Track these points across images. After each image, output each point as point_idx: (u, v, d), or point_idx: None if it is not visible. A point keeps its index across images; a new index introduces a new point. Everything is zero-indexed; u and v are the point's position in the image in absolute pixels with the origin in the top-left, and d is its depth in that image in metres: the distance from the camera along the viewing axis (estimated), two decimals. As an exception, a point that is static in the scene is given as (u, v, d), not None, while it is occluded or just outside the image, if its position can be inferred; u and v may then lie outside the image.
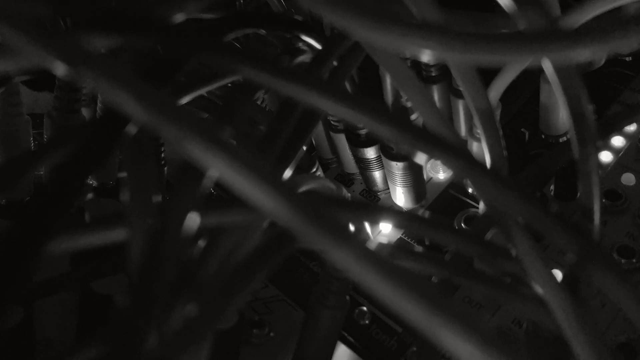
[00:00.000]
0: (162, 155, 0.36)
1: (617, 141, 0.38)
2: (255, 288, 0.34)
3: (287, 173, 0.25)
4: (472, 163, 0.19)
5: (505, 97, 0.33)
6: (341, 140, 0.38)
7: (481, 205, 0.30)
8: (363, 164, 0.38)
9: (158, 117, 0.15)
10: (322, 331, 0.26)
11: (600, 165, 0.36)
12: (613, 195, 0.35)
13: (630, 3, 0.27)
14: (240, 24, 0.27)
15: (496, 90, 0.33)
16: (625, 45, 0.17)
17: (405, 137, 0.19)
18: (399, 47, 0.17)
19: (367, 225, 0.29)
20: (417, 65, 0.38)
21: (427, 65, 0.38)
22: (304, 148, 0.41)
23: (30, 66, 0.17)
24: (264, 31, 0.31)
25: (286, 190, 0.15)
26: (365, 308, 0.33)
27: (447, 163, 0.20)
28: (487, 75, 0.30)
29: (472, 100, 0.27)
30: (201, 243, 0.21)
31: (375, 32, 0.17)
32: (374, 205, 0.39)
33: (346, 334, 0.32)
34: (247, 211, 0.20)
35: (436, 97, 0.39)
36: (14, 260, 0.15)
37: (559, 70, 0.24)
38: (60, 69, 0.16)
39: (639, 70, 0.42)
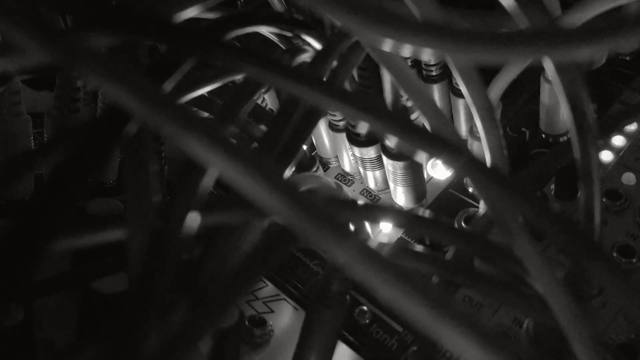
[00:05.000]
0: (163, 154, 0.36)
1: (618, 140, 0.38)
2: (255, 287, 0.34)
3: (287, 172, 0.25)
4: (472, 162, 0.19)
5: (506, 96, 0.33)
6: (341, 139, 0.38)
7: (481, 205, 0.30)
8: (363, 164, 0.38)
9: (160, 115, 0.15)
10: (322, 330, 0.26)
11: (600, 164, 0.36)
12: (613, 194, 0.35)
13: (630, 3, 0.27)
14: (241, 23, 0.27)
15: (496, 90, 0.33)
16: (626, 44, 0.17)
17: (406, 137, 0.19)
18: (399, 45, 0.17)
19: (367, 225, 0.29)
20: (417, 64, 0.38)
21: (427, 64, 0.38)
22: (304, 147, 0.41)
23: (31, 65, 0.17)
24: (264, 30, 0.31)
25: (288, 189, 0.15)
26: (365, 307, 0.33)
27: (447, 162, 0.20)
28: (488, 74, 0.30)
29: (473, 100, 0.27)
30: (202, 242, 0.21)
31: (376, 31, 0.17)
32: (375, 204, 0.39)
33: (346, 334, 0.32)
34: (247, 210, 0.20)
35: (437, 96, 0.39)
36: (15, 259, 0.15)
37: (559, 69, 0.24)
38: (63, 67, 0.16)
39: (640, 70, 0.42)
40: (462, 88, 0.27)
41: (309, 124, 0.26)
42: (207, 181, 0.19)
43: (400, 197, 0.37)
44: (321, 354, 0.26)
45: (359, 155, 0.37)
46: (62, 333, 0.28)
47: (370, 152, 0.37)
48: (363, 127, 0.36)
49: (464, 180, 0.38)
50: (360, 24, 0.17)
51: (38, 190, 0.36)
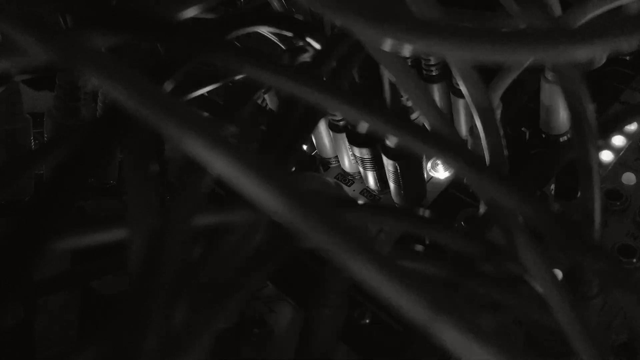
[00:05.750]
0: (163, 154, 0.36)
1: (618, 140, 0.38)
2: (256, 287, 0.34)
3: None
4: (472, 162, 0.19)
5: (506, 96, 0.33)
6: (341, 139, 0.38)
7: (482, 205, 0.30)
8: (363, 164, 0.38)
9: (160, 115, 0.15)
10: (322, 330, 0.26)
11: (600, 164, 0.36)
12: (614, 194, 0.35)
13: (630, 3, 0.27)
14: (241, 23, 0.27)
15: (497, 90, 0.33)
16: (625, 44, 0.17)
17: (405, 137, 0.19)
18: (400, 45, 0.17)
19: (367, 225, 0.29)
20: (417, 64, 0.38)
21: (427, 64, 0.38)
22: (304, 147, 0.41)
23: (31, 65, 0.17)
24: (264, 30, 0.31)
25: (289, 188, 0.15)
26: (365, 307, 0.33)
27: (447, 162, 0.20)
28: (488, 74, 0.30)
29: (473, 100, 0.27)
30: (202, 242, 0.21)
31: (377, 31, 0.17)
32: (375, 204, 0.39)
33: (346, 334, 0.32)
34: (247, 210, 0.20)
35: (437, 96, 0.39)
36: (15, 259, 0.15)
37: (559, 69, 0.24)
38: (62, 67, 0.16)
39: (640, 70, 0.42)
40: (462, 88, 0.27)
41: (309, 124, 0.26)
42: (208, 181, 0.19)
43: (401, 197, 0.37)
44: (322, 354, 0.26)
45: (359, 155, 0.37)
46: (62, 333, 0.28)
47: (370, 152, 0.37)
48: (363, 127, 0.36)
49: (465, 180, 0.38)
50: (360, 23, 0.17)
51: (38, 190, 0.36)
